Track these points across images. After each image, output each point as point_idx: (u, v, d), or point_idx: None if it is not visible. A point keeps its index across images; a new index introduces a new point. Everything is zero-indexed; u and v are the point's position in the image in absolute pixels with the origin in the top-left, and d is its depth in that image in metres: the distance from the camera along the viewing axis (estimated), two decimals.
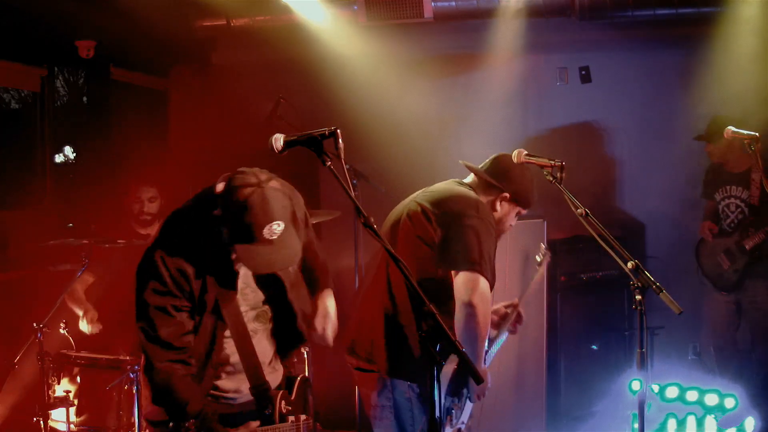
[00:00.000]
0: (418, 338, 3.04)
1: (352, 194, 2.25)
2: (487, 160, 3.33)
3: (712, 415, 5.19)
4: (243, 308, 2.76)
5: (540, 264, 3.83)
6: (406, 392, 3.06)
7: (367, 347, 3.18)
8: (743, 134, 3.55)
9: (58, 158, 5.95)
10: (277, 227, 2.54)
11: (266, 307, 2.84)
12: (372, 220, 2.21)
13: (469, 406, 3.24)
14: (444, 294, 3.02)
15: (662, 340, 5.35)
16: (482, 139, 5.09)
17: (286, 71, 6.10)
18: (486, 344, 3.25)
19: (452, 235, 3.03)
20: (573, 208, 2.98)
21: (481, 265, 2.97)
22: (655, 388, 5.25)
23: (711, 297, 5.25)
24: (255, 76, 6.31)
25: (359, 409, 5.02)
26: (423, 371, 2.97)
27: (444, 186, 3.28)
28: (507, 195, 3.24)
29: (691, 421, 5.00)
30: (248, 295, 2.79)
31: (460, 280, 2.97)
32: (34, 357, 4.11)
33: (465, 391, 3.15)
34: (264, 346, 2.83)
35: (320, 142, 2.33)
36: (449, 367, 3.02)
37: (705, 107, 5.34)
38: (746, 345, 5.31)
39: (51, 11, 4.84)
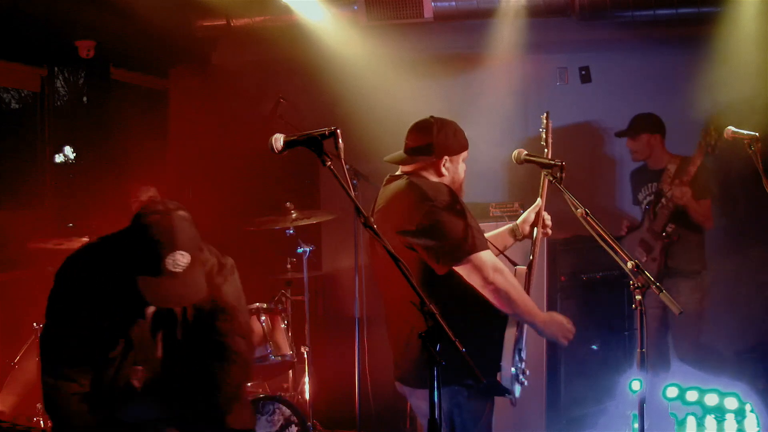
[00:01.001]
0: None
1: (352, 194, 2.24)
2: (406, 138, 3.28)
3: (712, 415, 5.20)
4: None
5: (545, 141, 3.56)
6: (453, 397, 3.04)
7: (404, 362, 3.16)
8: (743, 134, 3.55)
9: (58, 158, 5.95)
10: (182, 258, 2.45)
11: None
12: (372, 220, 2.21)
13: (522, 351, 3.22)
14: (450, 289, 2.99)
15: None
16: (482, 139, 5.09)
17: (286, 71, 6.11)
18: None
19: (430, 237, 2.97)
20: (573, 208, 2.99)
21: (472, 244, 2.93)
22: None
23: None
24: (255, 76, 6.31)
25: (359, 409, 5.02)
26: (463, 372, 2.96)
27: (388, 195, 3.18)
28: (446, 158, 3.18)
29: (691, 421, 5.00)
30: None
31: (465, 272, 2.94)
32: (34, 357, 4.11)
33: (521, 349, 3.14)
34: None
35: (320, 142, 2.33)
36: (510, 332, 3.01)
37: (705, 107, 5.33)
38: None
39: (51, 11, 4.85)
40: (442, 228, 2.95)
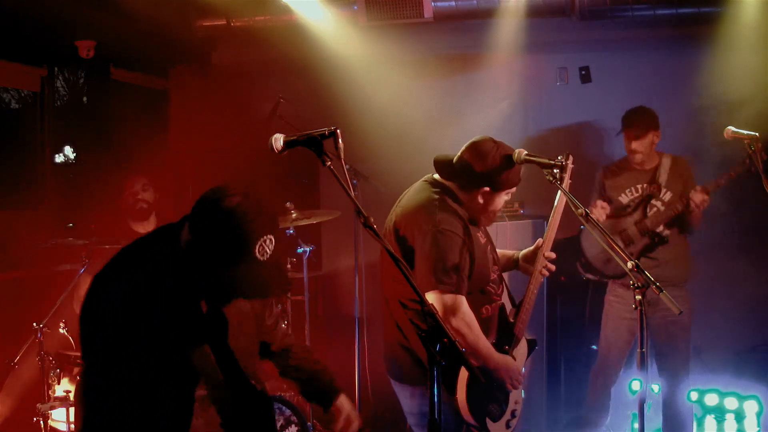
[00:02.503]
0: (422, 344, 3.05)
1: (352, 194, 2.24)
2: (459, 153, 3.15)
3: (712, 415, 5.19)
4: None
5: (560, 180, 3.04)
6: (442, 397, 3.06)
7: (393, 359, 3.20)
8: (743, 134, 3.55)
9: (58, 158, 5.95)
10: (271, 244, 2.14)
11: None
12: (372, 220, 2.21)
13: (514, 392, 3.22)
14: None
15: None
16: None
17: (286, 71, 6.11)
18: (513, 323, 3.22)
19: (414, 257, 2.99)
20: (573, 208, 2.97)
21: (445, 281, 2.93)
22: (655, 388, 5.25)
23: (613, 312, 4.77)
24: (255, 76, 6.31)
25: (359, 409, 5.01)
26: (446, 376, 2.96)
27: (409, 196, 3.18)
28: (487, 189, 3.11)
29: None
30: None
31: (432, 301, 2.92)
32: (34, 357, 4.11)
33: (495, 385, 3.13)
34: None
35: (320, 142, 2.31)
36: (462, 376, 3.00)
37: (704, 107, 5.34)
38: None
39: (51, 11, 4.84)
40: (430, 252, 2.96)
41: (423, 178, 3.25)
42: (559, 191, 3.18)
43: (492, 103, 6.00)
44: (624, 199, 4.70)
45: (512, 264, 3.49)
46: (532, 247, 3.41)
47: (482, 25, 5.54)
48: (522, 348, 3.30)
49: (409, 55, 5.99)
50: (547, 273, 3.34)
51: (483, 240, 3.21)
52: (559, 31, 5.77)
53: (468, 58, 6.06)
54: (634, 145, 4.60)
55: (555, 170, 2.99)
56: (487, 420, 3.07)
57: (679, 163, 4.67)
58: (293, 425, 4.40)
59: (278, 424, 4.37)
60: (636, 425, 3.62)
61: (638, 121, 4.59)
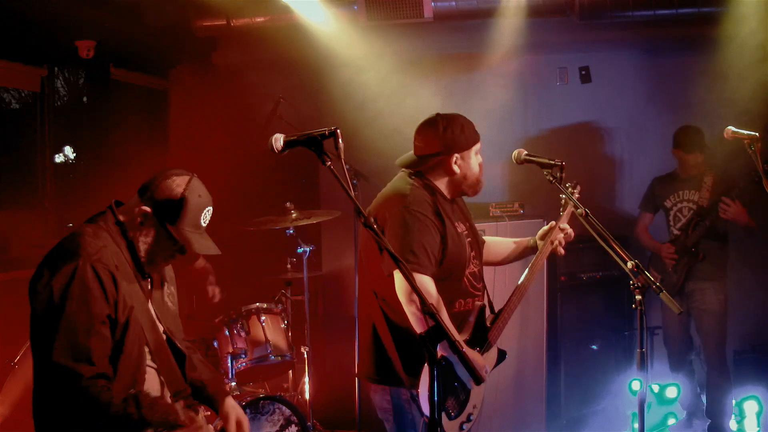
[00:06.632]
0: (395, 345, 3.07)
1: (352, 194, 2.24)
2: (414, 139, 3.25)
3: None
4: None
5: (563, 207, 3.42)
6: (403, 395, 3.06)
7: (364, 357, 3.22)
8: (743, 134, 3.55)
9: (58, 158, 5.95)
10: (209, 214, 2.68)
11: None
12: (372, 220, 2.21)
13: (475, 396, 3.18)
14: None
15: (662, 340, 5.35)
16: (482, 139, 5.11)
17: (286, 71, 6.11)
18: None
19: (383, 242, 3.00)
20: (573, 208, 2.98)
21: (410, 260, 2.91)
22: (655, 388, 5.26)
23: (666, 309, 5.18)
24: (255, 76, 6.31)
25: (359, 409, 5.02)
26: (411, 375, 2.96)
27: (386, 186, 3.25)
28: (455, 154, 3.16)
29: None
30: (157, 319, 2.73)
31: (396, 280, 2.94)
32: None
33: (456, 384, 3.09)
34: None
35: (320, 142, 2.33)
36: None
37: (704, 107, 5.33)
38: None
39: (51, 11, 4.84)
40: (398, 232, 2.97)
41: (399, 174, 3.29)
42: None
43: (492, 103, 5.99)
44: (668, 203, 5.16)
45: (530, 249, 3.50)
46: (546, 227, 3.43)
47: (482, 25, 5.54)
48: (492, 354, 3.28)
49: (409, 55, 5.99)
50: (563, 243, 3.37)
51: (461, 230, 3.21)
52: (559, 31, 5.77)
53: (468, 58, 6.06)
54: (685, 156, 5.10)
55: (554, 170, 3.02)
56: (443, 415, 3.03)
57: (719, 176, 5.04)
58: (293, 425, 4.40)
59: (278, 424, 4.37)
60: (636, 425, 3.63)
61: (684, 136, 5.11)
